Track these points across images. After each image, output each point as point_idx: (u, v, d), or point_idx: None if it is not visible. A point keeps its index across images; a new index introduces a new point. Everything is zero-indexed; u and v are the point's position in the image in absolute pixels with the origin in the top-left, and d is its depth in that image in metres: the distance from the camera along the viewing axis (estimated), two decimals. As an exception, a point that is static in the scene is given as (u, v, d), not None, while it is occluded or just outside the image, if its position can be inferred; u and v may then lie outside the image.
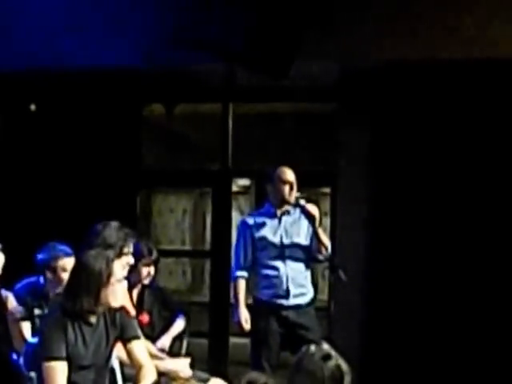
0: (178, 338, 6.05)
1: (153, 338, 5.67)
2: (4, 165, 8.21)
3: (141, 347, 4.43)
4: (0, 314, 5.16)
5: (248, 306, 6.00)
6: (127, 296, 5.24)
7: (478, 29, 6.68)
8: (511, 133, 7.13)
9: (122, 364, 4.69)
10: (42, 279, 5.24)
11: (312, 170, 7.85)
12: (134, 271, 5.37)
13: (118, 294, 4.30)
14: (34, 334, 4.95)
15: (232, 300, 6.27)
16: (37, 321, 5.13)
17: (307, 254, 6.00)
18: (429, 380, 7.05)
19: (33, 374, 4.37)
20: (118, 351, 4.53)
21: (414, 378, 7.07)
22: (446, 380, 7.02)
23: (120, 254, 4.58)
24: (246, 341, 6.30)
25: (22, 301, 5.18)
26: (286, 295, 5.93)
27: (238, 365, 7.60)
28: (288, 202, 5.96)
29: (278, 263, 5.94)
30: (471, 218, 7.18)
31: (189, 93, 8.30)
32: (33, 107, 8.42)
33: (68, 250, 5.15)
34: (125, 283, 4.44)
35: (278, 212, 6.02)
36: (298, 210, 5.95)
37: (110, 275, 4.22)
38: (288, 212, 6.02)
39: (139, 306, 5.83)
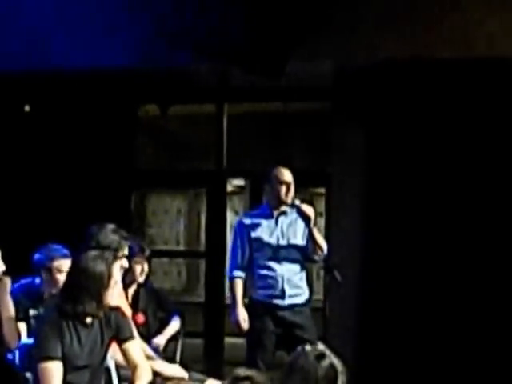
0: (173, 339, 6.06)
1: (148, 338, 5.67)
2: (-2, 166, 8.21)
3: (136, 347, 4.43)
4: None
5: (244, 306, 6.00)
6: (122, 296, 5.24)
7: (475, 28, 6.69)
8: (507, 132, 7.14)
9: (117, 366, 4.69)
10: (37, 280, 5.23)
11: (307, 170, 7.84)
12: (127, 270, 5.36)
13: (115, 295, 4.30)
14: (29, 335, 4.94)
15: (228, 300, 6.27)
16: (32, 321, 5.12)
17: (303, 255, 6.00)
18: (424, 379, 7.05)
19: (28, 375, 4.37)
20: (114, 353, 4.53)
21: (409, 377, 7.07)
22: (441, 380, 7.03)
23: (115, 258, 4.58)
24: (241, 341, 6.31)
25: (17, 301, 5.17)
26: (282, 295, 5.93)
27: (233, 365, 7.58)
28: (285, 203, 5.96)
29: (274, 264, 5.94)
30: (467, 218, 7.17)
31: (183, 93, 8.30)
32: (27, 108, 8.41)
33: (64, 251, 5.14)
34: (119, 283, 4.44)
35: (275, 213, 6.01)
36: (294, 211, 5.94)
37: (110, 278, 4.23)
38: (285, 213, 6.02)
39: (134, 306, 5.84)
